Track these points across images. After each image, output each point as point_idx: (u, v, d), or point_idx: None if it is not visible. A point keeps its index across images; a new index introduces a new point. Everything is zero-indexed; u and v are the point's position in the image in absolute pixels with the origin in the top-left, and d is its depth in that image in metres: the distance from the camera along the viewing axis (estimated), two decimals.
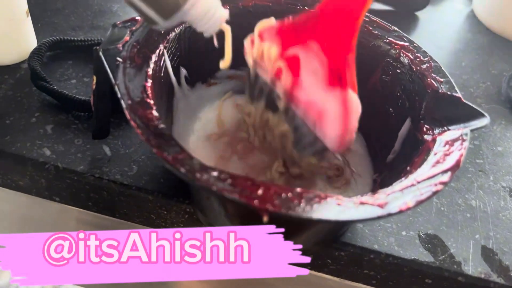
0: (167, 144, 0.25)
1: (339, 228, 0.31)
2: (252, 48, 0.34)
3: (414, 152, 0.31)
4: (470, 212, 0.39)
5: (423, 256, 0.35)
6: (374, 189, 0.35)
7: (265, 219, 0.23)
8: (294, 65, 0.31)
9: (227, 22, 0.31)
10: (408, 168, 0.29)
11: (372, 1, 0.29)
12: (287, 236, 0.31)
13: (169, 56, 0.33)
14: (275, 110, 0.34)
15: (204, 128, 0.37)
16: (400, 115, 0.35)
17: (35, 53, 0.43)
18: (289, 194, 0.24)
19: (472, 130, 0.30)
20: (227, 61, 0.32)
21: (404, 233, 0.36)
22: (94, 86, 0.33)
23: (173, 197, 0.35)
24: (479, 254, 0.36)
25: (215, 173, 0.24)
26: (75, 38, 0.46)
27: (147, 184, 0.36)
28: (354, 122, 0.30)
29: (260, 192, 0.24)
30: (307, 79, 0.31)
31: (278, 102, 0.34)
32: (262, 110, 0.35)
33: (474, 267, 0.35)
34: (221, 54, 0.35)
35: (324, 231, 0.31)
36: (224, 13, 0.29)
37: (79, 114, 0.40)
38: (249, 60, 0.35)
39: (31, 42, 0.45)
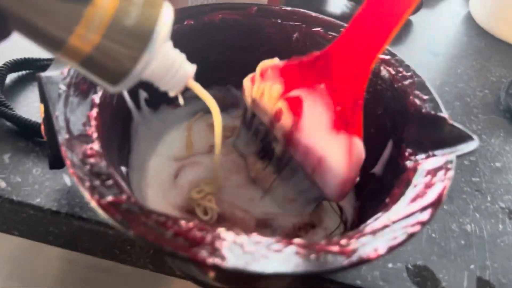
0: (103, 184, 0.22)
1: None
2: (252, 87, 0.32)
3: (395, 181, 0.27)
4: (465, 238, 0.35)
5: None
6: (353, 219, 0.32)
7: (211, 275, 0.20)
8: (296, 106, 0.30)
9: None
10: (387, 200, 0.26)
11: (386, 46, 0.27)
12: (258, 282, 0.28)
13: None
14: (269, 153, 0.33)
15: (170, 150, 0.34)
16: (382, 137, 0.31)
17: None
18: (242, 242, 0.21)
19: (458, 156, 0.26)
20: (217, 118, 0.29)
21: (390, 265, 0.33)
22: (42, 115, 0.30)
23: None
24: (475, 287, 0.32)
25: (154, 218, 0.21)
26: (41, 57, 0.43)
27: None
28: (356, 171, 0.28)
29: (208, 238, 0.21)
30: (309, 121, 0.29)
31: (274, 144, 0.32)
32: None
33: None
34: None
35: None
36: (190, 69, 0.25)
37: (40, 141, 0.38)
38: (248, 99, 0.33)
39: None
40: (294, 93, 0.30)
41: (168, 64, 0.23)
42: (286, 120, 0.30)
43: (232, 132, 0.37)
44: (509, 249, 0.35)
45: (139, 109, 0.32)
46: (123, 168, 0.29)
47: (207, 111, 0.38)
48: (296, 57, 0.30)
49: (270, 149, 0.33)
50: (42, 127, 0.31)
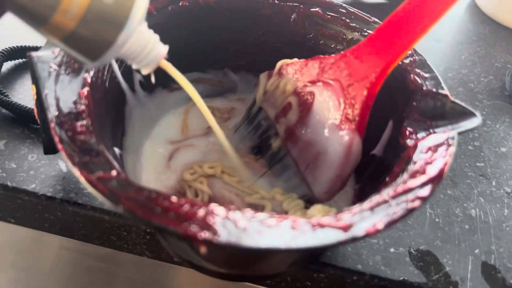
0: (93, 161, 0.21)
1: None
2: (268, 81, 0.32)
3: (396, 160, 0.27)
4: (469, 223, 0.34)
5: (414, 276, 0.31)
6: (353, 202, 0.31)
7: (203, 251, 0.19)
8: (307, 101, 0.29)
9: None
10: (387, 179, 0.25)
11: (406, 54, 0.28)
12: (253, 261, 0.27)
13: (117, 60, 0.30)
14: (263, 150, 0.33)
15: (165, 133, 0.33)
16: (382, 117, 0.31)
17: None
18: (236, 217, 0.20)
19: (460, 133, 0.25)
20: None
21: (392, 249, 0.32)
22: (35, 97, 0.29)
23: None
24: (479, 272, 0.31)
25: (145, 194, 0.20)
26: (37, 45, 0.43)
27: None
28: (350, 170, 0.28)
29: (200, 214, 0.20)
30: (317, 117, 0.29)
31: (272, 140, 0.32)
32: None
33: (473, 287, 0.30)
34: (185, 55, 0.32)
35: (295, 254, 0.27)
36: (163, 50, 0.25)
37: (36, 127, 0.37)
38: (260, 92, 0.33)
39: None
40: (308, 89, 0.30)
41: (143, 44, 0.24)
42: (293, 115, 0.30)
43: (229, 114, 0.36)
44: None
45: (134, 92, 0.32)
46: (117, 150, 0.29)
47: (205, 95, 0.37)
48: (318, 56, 0.30)
49: (266, 145, 0.33)
50: (35, 109, 0.30)
